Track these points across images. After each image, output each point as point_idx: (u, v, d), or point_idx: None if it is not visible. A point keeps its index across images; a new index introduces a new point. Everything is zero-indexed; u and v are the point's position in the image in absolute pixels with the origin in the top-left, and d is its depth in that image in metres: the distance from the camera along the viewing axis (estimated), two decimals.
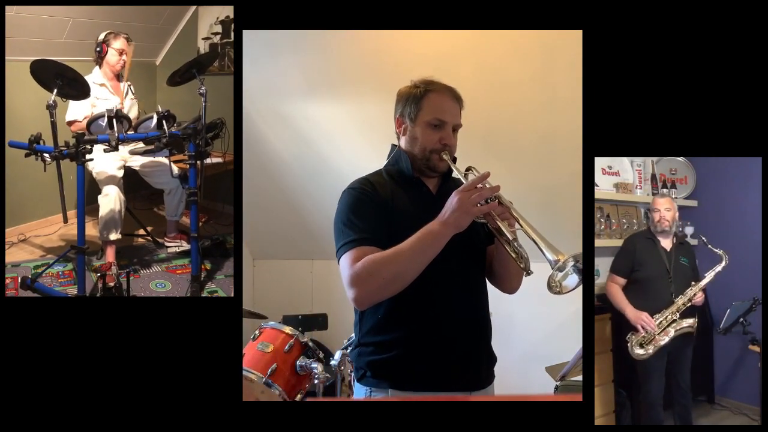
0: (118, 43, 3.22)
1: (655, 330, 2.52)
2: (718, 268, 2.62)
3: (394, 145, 1.75)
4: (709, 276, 2.62)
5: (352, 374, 1.68)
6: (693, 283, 2.60)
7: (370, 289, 1.49)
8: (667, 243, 2.71)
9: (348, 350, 1.59)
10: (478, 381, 1.64)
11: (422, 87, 1.67)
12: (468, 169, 1.66)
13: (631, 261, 2.69)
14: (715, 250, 2.67)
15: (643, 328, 2.52)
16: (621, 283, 2.69)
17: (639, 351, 2.53)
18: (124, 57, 3.26)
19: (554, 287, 1.41)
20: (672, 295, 2.59)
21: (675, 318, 2.56)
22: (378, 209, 1.58)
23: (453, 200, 1.47)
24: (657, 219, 2.69)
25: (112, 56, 3.24)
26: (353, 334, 1.71)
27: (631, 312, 2.57)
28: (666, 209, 2.70)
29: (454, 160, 1.65)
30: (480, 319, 1.67)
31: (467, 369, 1.61)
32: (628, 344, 2.55)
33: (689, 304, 2.58)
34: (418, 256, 1.47)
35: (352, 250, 1.52)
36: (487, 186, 1.48)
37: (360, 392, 1.61)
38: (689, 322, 2.58)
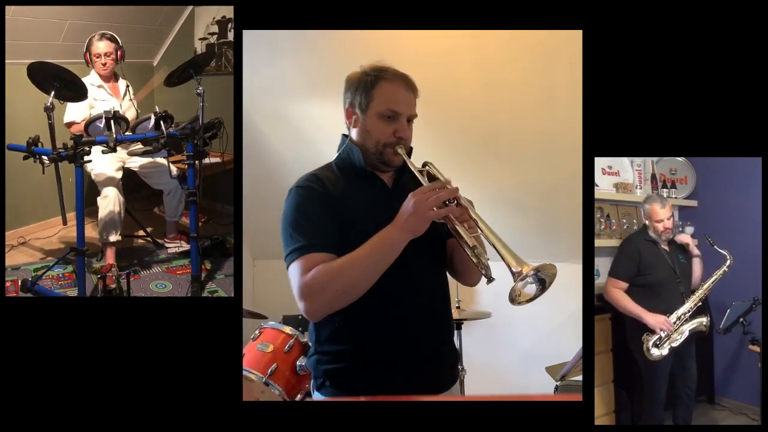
0: (95, 48, 3.18)
1: (672, 330, 2.51)
2: (724, 267, 2.64)
3: (345, 136, 1.63)
4: (715, 275, 2.63)
5: (312, 382, 1.59)
6: (702, 284, 2.63)
7: (321, 302, 1.42)
8: (665, 244, 2.71)
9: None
10: (442, 383, 1.57)
11: (373, 74, 1.55)
12: (425, 165, 1.56)
13: (635, 265, 2.64)
14: (720, 250, 2.68)
15: (661, 330, 2.51)
16: (623, 287, 2.64)
17: (656, 351, 2.52)
18: (103, 59, 3.19)
19: (515, 298, 1.34)
20: (683, 295, 2.60)
21: (687, 317, 2.57)
22: (329, 209, 1.48)
23: (409, 203, 1.38)
24: (661, 230, 2.65)
25: (95, 63, 3.21)
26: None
27: (650, 318, 2.52)
28: (668, 218, 2.66)
29: (410, 152, 1.57)
30: (441, 319, 1.60)
31: (429, 372, 1.53)
32: (644, 345, 2.53)
33: (699, 303, 2.60)
34: (374, 265, 1.39)
35: (302, 258, 1.43)
36: (447, 188, 1.40)
37: None
38: (702, 320, 2.59)
